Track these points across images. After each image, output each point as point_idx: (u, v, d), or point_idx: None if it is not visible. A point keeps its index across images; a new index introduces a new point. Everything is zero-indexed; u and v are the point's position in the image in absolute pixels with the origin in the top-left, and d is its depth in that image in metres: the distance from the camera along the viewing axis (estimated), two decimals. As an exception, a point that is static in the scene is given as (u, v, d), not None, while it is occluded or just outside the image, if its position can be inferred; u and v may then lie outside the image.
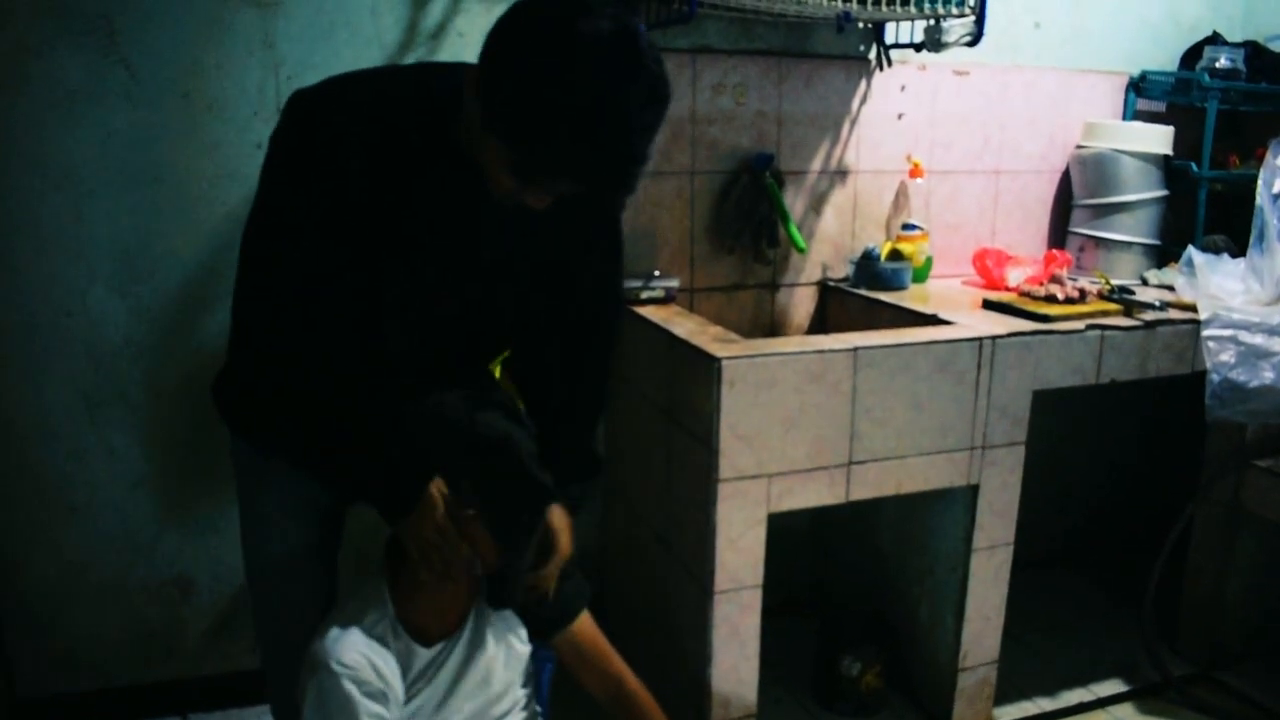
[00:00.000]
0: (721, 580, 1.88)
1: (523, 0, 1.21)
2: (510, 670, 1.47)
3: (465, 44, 2.12)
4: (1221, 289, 2.33)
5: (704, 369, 1.82)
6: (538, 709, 1.57)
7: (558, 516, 1.51)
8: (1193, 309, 2.25)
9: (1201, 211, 2.60)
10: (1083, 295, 2.23)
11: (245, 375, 1.42)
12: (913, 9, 2.20)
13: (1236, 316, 2.21)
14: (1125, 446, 3.01)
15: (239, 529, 1.58)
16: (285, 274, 1.31)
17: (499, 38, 1.20)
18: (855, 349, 1.88)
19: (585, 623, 1.58)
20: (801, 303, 2.52)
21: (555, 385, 1.66)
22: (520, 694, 1.51)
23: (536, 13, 1.18)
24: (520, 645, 1.50)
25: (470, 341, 1.56)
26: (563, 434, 1.63)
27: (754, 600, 1.92)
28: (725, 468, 1.83)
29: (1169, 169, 2.60)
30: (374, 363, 1.39)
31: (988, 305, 2.26)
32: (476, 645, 1.43)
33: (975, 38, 2.25)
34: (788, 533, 2.11)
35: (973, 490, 2.06)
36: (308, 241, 1.28)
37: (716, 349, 1.82)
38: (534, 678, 1.58)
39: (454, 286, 1.43)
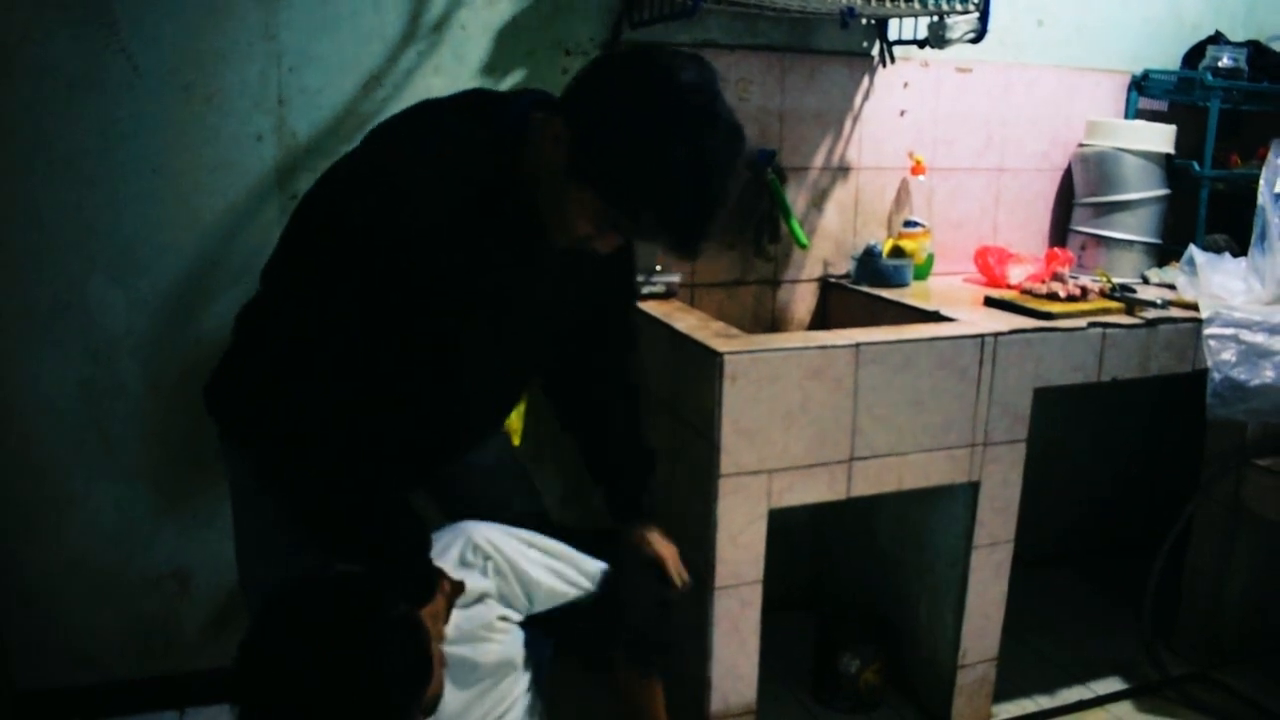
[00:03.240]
0: (722, 575, 1.87)
1: (612, 55, 1.26)
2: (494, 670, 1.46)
3: (467, 36, 2.11)
4: (1223, 288, 2.33)
5: (706, 364, 1.81)
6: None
7: (657, 542, 1.62)
8: (1194, 308, 2.24)
9: (1203, 210, 2.60)
10: (1084, 293, 2.23)
11: (264, 418, 1.32)
12: (916, 5, 2.20)
13: (1238, 315, 2.21)
14: (1126, 445, 3.01)
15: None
16: (339, 363, 1.25)
17: (593, 92, 1.22)
18: (857, 345, 1.88)
19: None
20: (803, 299, 2.51)
21: (587, 392, 1.70)
22: (521, 682, 1.50)
23: (631, 68, 1.22)
24: (499, 636, 1.47)
25: (513, 388, 1.60)
26: (611, 444, 1.68)
27: (754, 596, 1.92)
28: (726, 463, 1.82)
29: (1171, 168, 2.60)
30: (413, 436, 1.38)
31: (989, 302, 2.26)
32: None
33: (978, 35, 2.25)
34: (788, 530, 2.10)
35: (973, 487, 2.06)
36: (370, 340, 1.24)
37: (718, 344, 1.82)
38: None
39: (512, 345, 1.45)
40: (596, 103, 1.21)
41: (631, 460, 1.72)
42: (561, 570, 1.52)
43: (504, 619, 1.47)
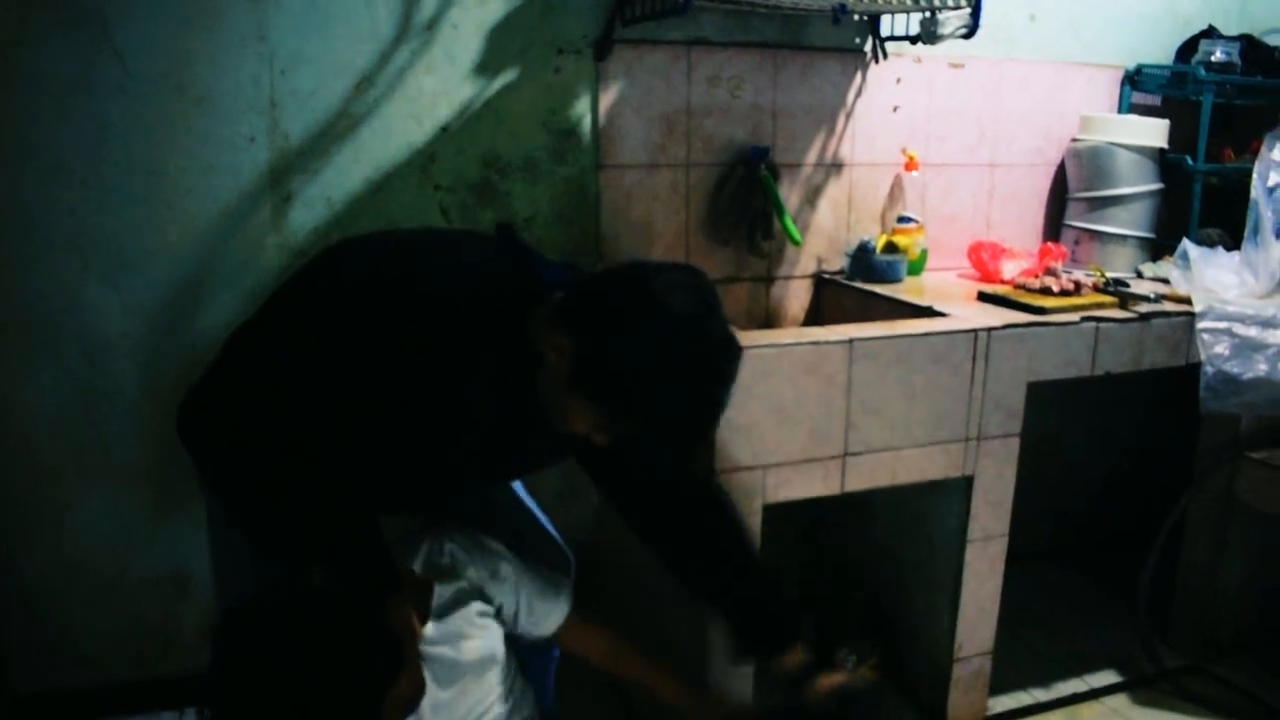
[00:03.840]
0: (717, 572, 1.88)
1: (610, 273, 1.30)
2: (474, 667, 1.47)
3: (459, 36, 2.11)
4: (1216, 282, 2.34)
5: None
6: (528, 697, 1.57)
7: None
8: (1187, 302, 2.25)
9: (1196, 205, 2.60)
10: (1078, 288, 2.24)
11: (223, 440, 1.33)
12: (908, 1, 2.20)
13: (1231, 309, 2.22)
14: (1120, 440, 3.02)
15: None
16: (306, 437, 1.27)
17: (594, 317, 1.26)
18: (850, 340, 1.88)
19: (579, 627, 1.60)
20: (796, 295, 2.52)
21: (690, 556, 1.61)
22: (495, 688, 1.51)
23: (626, 290, 1.26)
24: (479, 639, 1.48)
25: (505, 474, 1.64)
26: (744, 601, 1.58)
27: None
28: (721, 459, 1.83)
29: (1164, 162, 2.60)
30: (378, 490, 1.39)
31: (983, 297, 2.27)
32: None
33: (970, 30, 2.25)
34: (783, 527, 2.11)
35: (967, 482, 2.07)
36: (341, 433, 1.27)
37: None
38: (531, 669, 1.58)
39: (487, 466, 1.47)
40: (597, 324, 1.26)
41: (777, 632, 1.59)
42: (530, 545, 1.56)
43: (482, 614, 1.48)
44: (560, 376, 1.27)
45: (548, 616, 1.58)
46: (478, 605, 1.48)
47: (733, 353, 1.29)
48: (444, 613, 1.44)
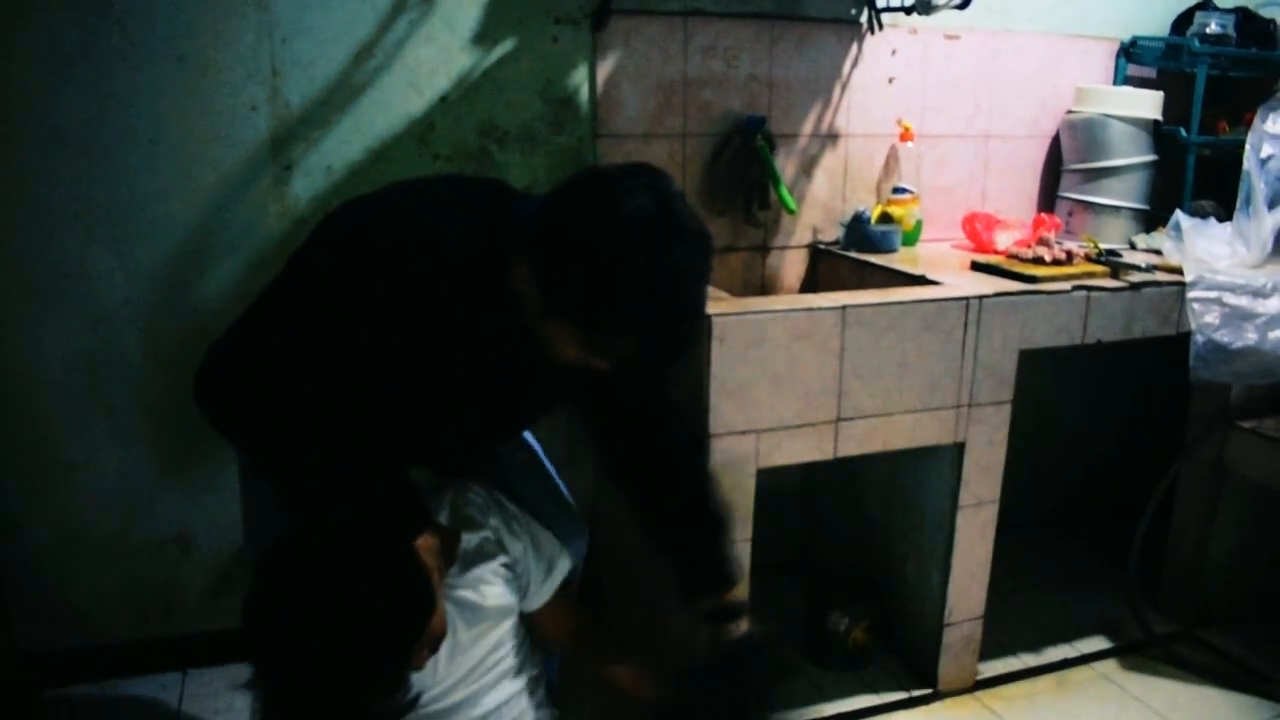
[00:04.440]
0: (711, 534, 1.91)
1: (560, 191, 1.27)
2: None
3: (458, 5, 2.12)
4: (1208, 252, 2.36)
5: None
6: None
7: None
8: (1179, 272, 2.27)
9: (1190, 176, 2.62)
10: (1070, 257, 2.26)
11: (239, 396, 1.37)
12: (903, -29, 2.21)
13: (1222, 278, 2.24)
14: (1115, 412, 3.04)
15: (238, 487, 1.61)
16: (308, 387, 1.31)
17: (550, 231, 1.25)
18: (843, 307, 1.91)
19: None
20: (792, 265, 2.54)
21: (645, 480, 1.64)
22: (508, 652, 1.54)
23: (579, 203, 1.25)
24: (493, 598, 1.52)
25: (511, 418, 1.62)
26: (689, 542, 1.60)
27: (743, 555, 1.95)
28: (715, 424, 1.86)
29: (1158, 134, 2.61)
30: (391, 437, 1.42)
31: (975, 267, 2.29)
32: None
33: (964, 1, 2.26)
34: (777, 495, 2.14)
35: (959, 448, 2.10)
36: (341, 375, 1.30)
37: (707, 306, 1.84)
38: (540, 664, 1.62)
39: (486, 409, 1.48)
40: (554, 242, 1.25)
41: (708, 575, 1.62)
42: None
43: (506, 566, 1.51)
44: (535, 304, 1.27)
45: (543, 587, 1.60)
46: (501, 558, 1.51)
47: (693, 242, 1.24)
48: (469, 560, 1.47)
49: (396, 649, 1.26)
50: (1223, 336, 2.22)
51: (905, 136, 2.51)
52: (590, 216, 1.22)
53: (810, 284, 2.55)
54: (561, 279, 1.24)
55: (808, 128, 2.47)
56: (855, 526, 2.47)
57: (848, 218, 2.47)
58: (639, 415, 1.60)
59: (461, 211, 1.36)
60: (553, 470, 1.82)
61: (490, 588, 1.48)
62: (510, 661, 1.52)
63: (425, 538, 1.36)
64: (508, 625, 1.51)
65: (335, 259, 1.34)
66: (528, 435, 1.81)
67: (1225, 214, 2.50)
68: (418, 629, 1.28)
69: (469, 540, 1.48)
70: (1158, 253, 2.44)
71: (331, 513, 1.34)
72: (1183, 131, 2.58)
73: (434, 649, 1.36)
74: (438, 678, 1.43)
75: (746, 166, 2.38)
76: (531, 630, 1.59)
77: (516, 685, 1.52)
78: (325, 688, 1.23)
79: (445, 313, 1.30)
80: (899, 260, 2.35)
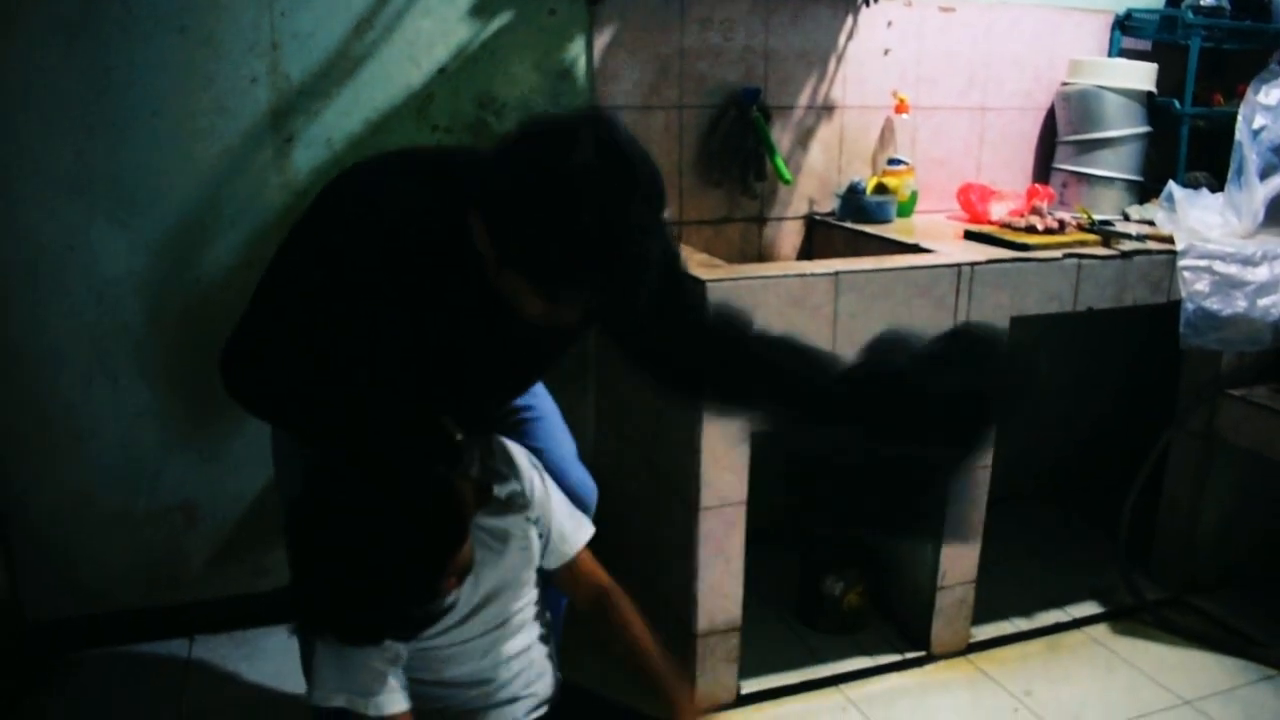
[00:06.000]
0: (707, 497, 1.94)
1: (508, 146, 1.23)
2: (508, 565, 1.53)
3: (456, -22, 2.15)
4: (1201, 222, 2.38)
5: (690, 293, 1.86)
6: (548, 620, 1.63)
7: None
8: (1171, 241, 2.29)
9: (1183, 148, 2.63)
10: (1062, 226, 2.28)
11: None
12: (897, -57, 2.23)
13: (1212, 247, 2.26)
14: (1108, 382, 3.06)
15: (243, 456, 1.63)
16: (299, 350, 1.34)
17: (496, 186, 1.23)
18: (836, 273, 1.93)
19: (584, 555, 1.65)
20: (788, 236, 2.57)
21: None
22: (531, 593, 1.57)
23: (526, 157, 1.21)
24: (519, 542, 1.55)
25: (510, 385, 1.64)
26: None
27: (738, 517, 1.99)
28: (710, 389, 1.88)
29: (1152, 106, 2.63)
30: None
31: (968, 236, 2.31)
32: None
33: (959, -28, 2.28)
34: (771, 457, 2.16)
35: (951, 414, 2.12)
36: (324, 340, 1.33)
37: (702, 273, 1.87)
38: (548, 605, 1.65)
39: (479, 371, 1.49)
40: (501, 197, 1.22)
41: None
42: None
43: (530, 520, 1.54)
44: (492, 261, 1.25)
45: (565, 542, 1.63)
46: (527, 512, 1.54)
47: (643, 191, 1.20)
48: (496, 511, 1.50)
49: (428, 576, 1.30)
50: (1212, 304, 2.24)
51: (900, 108, 2.52)
52: (536, 169, 1.19)
53: (806, 254, 2.57)
54: (511, 234, 1.21)
55: (803, 99, 2.49)
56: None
57: (843, 189, 2.49)
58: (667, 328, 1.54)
59: (437, 178, 1.36)
60: (567, 436, 1.84)
61: (515, 540, 1.51)
62: (532, 592, 1.55)
63: (459, 476, 1.39)
64: (527, 578, 1.55)
65: (323, 230, 1.35)
66: (542, 391, 1.83)
67: (1219, 185, 2.51)
68: (447, 557, 1.31)
69: (498, 491, 1.50)
70: (1151, 223, 2.45)
71: (352, 438, 1.36)
72: (1176, 103, 2.60)
73: (460, 579, 1.39)
74: (459, 613, 1.46)
75: (742, 138, 2.40)
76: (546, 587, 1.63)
77: (532, 635, 1.56)
78: (362, 604, 1.27)
79: (419, 278, 1.31)
80: (894, 230, 2.37)
